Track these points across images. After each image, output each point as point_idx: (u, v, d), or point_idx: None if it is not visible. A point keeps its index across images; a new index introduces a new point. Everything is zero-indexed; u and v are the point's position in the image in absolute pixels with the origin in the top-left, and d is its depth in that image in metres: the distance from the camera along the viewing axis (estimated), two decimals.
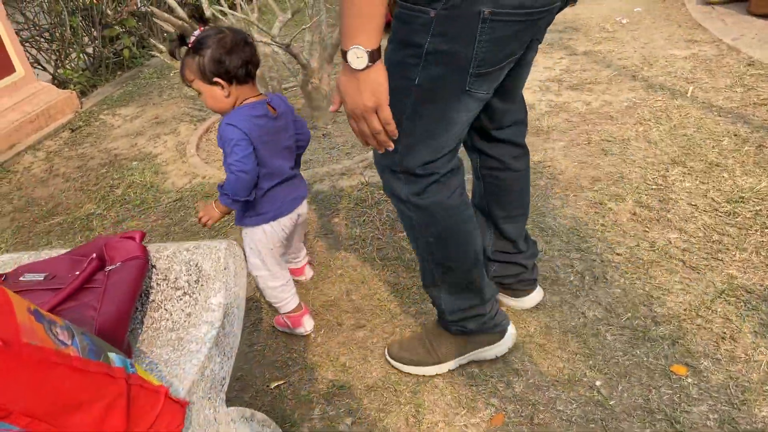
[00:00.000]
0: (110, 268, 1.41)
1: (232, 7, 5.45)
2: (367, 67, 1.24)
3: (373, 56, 1.24)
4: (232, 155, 1.72)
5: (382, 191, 2.87)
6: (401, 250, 2.45)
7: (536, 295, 2.05)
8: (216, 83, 1.71)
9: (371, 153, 3.22)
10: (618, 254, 2.20)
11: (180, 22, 3.18)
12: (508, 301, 2.06)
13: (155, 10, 3.15)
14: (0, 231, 3.21)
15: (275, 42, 3.06)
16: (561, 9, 1.43)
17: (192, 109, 4.35)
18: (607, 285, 2.08)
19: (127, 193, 3.33)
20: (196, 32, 1.70)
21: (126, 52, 5.45)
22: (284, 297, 2.05)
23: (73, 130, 4.35)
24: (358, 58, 1.23)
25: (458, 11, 1.27)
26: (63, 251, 1.54)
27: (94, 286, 1.38)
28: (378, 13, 1.21)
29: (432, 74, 1.36)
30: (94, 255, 1.44)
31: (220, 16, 3.31)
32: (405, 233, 1.77)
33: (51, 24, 5.15)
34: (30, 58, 4.97)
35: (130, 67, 5.49)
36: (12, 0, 5.15)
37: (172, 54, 1.76)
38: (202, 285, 1.41)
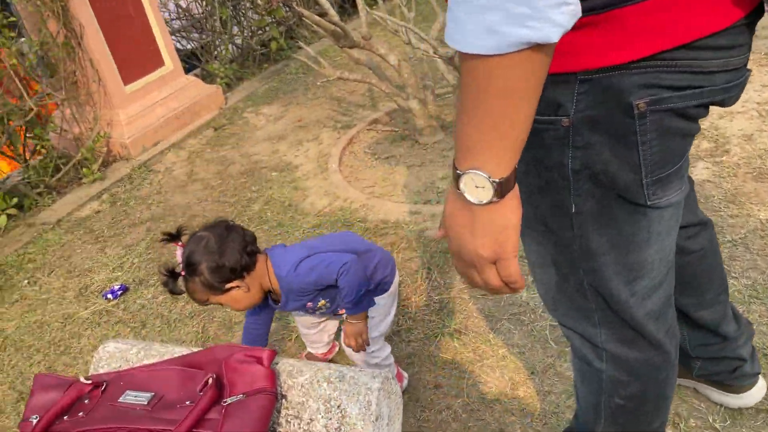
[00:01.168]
0: (230, 401, 1.06)
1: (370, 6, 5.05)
2: (491, 203, 0.77)
3: (503, 189, 0.76)
4: (333, 266, 1.59)
5: None
6: None
7: (759, 390, 1.59)
8: (231, 288, 1.54)
9: None
10: None
11: (332, 27, 2.82)
12: (721, 398, 1.63)
13: (304, 11, 2.83)
14: (135, 242, 3.07)
15: (437, 54, 2.62)
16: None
17: (336, 112, 4.03)
18: None
19: (263, 211, 3.07)
20: (178, 252, 1.53)
21: (273, 44, 5.27)
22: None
23: (216, 129, 4.21)
24: (477, 188, 0.76)
25: (599, 113, 0.86)
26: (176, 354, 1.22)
27: (206, 431, 1.03)
28: (521, 125, 0.73)
29: (592, 195, 0.94)
30: (211, 377, 1.10)
31: (377, 18, 2.92)
32: (578, 387, 1.30)
33: (202, 14, 5.06)
34: (180, 48, 4.92)
35: (277, 60, 5.31)
36: None
37: (172, 292, 1.57)
38: None
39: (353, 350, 1.68)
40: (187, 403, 1.07)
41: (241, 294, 1.55)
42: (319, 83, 3.68)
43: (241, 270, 1.53)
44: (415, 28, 2.79)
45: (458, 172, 0.77)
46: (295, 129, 3.96)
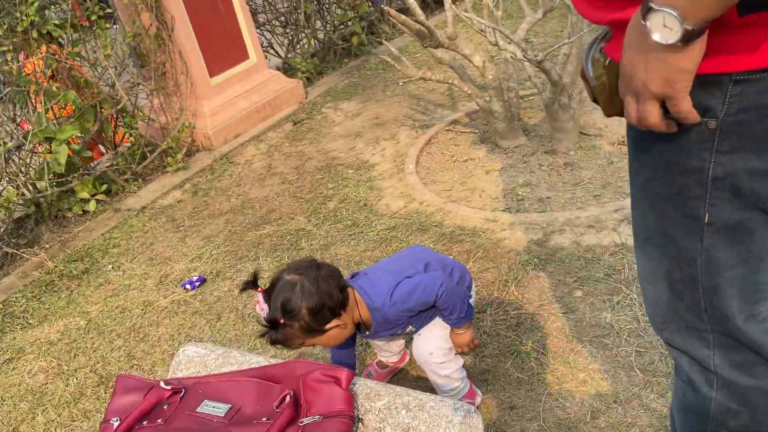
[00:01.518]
0: (306, 421, 1.04)
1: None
2: (673, 47, 0.75)
3: (689, 36, 0.75)
4: (430, 289, 1.57)
5: None
6: (674, 363, 1.81)
7: None
8: (330, 328, 1.50)
9: (629, 200, 2.57)
10: None
11: (417, 26, 2.77)
12: None
13: (391, 11, 2.79)
14: (215, 233, 3.14)
15: (527, 58, 2.52)
16: None
17: (415, 111, 3.98)
18: None
19: (339, 209, 3.06)
20: (260, 299, 1.47)
21: (355, 39, 5.26)
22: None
23: (295, 123, 4.24)
24: (665, 27, 0.74)
25: (752, 117, 0.81)
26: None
27: None
28: None
29: (730, 206, 0.87)
30: (289, 394, 1.08)
31: (464, 18, 2.84)
32: (678, 415, 1.20)
33: (287, 8, 5.11)
34: (264, 42, 4.99)
35: (357, 55, 5.31)
36: None
37: (275, 342, 1.49)
38: None
39: (465, 354, 1.71)
40: (264, 419, 1.05)
41: (338, 332, 1.52)
42: (401, 83, 3.64)
43: (339, 308, 1.50)
44: (503, 28, 2.69)
45: (651, 5, 0.74)
46: (372, 126, 3.93)
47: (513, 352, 1.99)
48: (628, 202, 2.56)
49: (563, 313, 2.10)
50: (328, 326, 1.48)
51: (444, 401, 1.04)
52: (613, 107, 0.94)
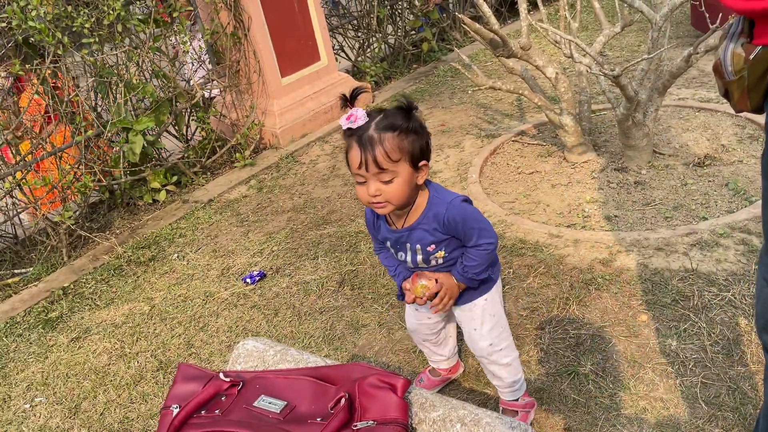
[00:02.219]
0: (360, 425, 1.04)
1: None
2: None
3: None
4: (485, 233, 1.52)
5: (716, 289, 2.13)
6: (742, 397, 1.72)
7: None
8: (421, 168, 1.45)
9: (703, 224, 2.46)
10: None
11: (491, 35, 2.74)
12: None
13: (465, 18, 2.77)
14: (277, 230, 3.19)
15: (603, 72, 2.45)
16: None
17: (482, 120, 3.95)
18: None
19: None
20: (356, 116, 1.39)
21: (425, 45, 5.27)
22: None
23: None
24: None
25: None
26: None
27: None
28: None
29: None
30: (344, 397, 1.08)
31: (539, 28, 2.79)
32: (763, 423, 1.14)
33: (360, 12, 5.16)
34: (335, 45, 5.05)
35: (426, 62, 5.30)
36: None
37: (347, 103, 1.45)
38: None
39: (437, 308, 1.59)
40: (318, 419, 1.06)
41: (412, 180, 1.43)
42: (470, 91, 3.61)
43: (429, 154, 1.46)
44: (579, 41, 2.63)
45: None
46: (437, 133, 3.92)
47: (570, 373, 1.94)
48: (701, 225, 2.46)
49: (626, 337, 2.03)
50: (421, 164, 1.42)
51: (500, 418, 1.02)
52: (751, 101, 0.93)
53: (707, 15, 2.63)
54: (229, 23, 4.01)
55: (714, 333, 1.96)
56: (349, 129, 1.39)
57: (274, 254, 2.97)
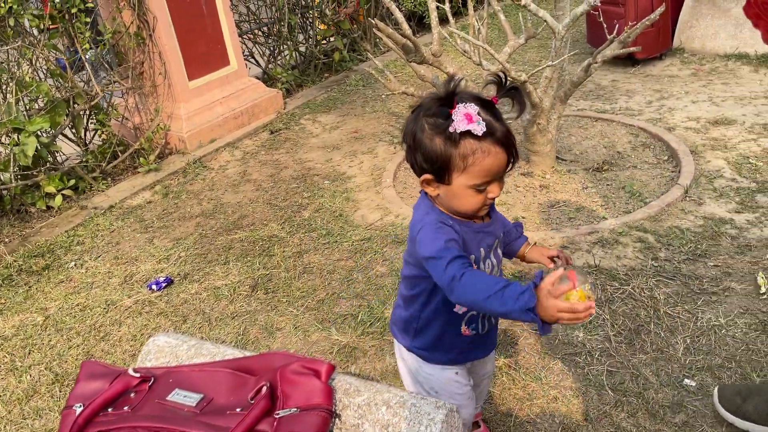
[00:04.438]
0: (282, 413, 1.00)
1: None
2: None
3: None
4: None
5: (617, 283, 2.24)
6: (644, 383, 1.82)
7: None
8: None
9: (604, 224, 2.60)
10: None
11: (404, 40, 2.78)
12: None
13: (378, 22, 2.80)
14: (184, 236, 3.06)
15: (511, 77, 2.54)
16: None
17: (394, 128, 3.99)
18: None
19: (313, 218, 3.03)
20: (476, 119, 1.12)
21: (337, 55, 5.28)
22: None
23: (272, 132, 4.21)
24: None
25: None
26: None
27: None
28: None
29: None
30: (265, 386, 1.04)
31: (448, 37, 2.87)
32: None
33: (270, 19, 5.10)
34: (245, 51, 4.96)
35: (338, 71, 5.32)
36: None
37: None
38: None
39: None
40: (238, 410, 1.01)
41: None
42: (383, 96, 3.64)
43: None
44: (489, 48, 2.72)
45: None
46: (350, 140, 3.92)
47: None
48: (602, 225, 2.59)
49: (536, 330, 2.09)
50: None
51: (426, 399, 1.01)
52: None
53: (605, 25, 2.80)
54: (132, 23, 3.84)
55: (617, 324, 2.06)
56: (487, 131, 1.12)
57: (182, 260, 2.85)
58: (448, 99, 1.14)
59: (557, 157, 3.20)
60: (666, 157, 3.12)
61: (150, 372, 1.14)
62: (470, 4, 3.06)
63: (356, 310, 2.33)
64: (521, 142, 3.26)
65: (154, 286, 2.64)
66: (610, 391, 1.82)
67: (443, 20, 5.27)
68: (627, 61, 4.43)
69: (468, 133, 1.12)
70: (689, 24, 4.52)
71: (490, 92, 1.22)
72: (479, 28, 2.92)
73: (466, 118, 1.12)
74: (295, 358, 1.08)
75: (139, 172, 3.83)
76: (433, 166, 1.17)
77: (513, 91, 1.19)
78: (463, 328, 1.34)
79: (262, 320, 2.36)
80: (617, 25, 2.94)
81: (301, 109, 4.57)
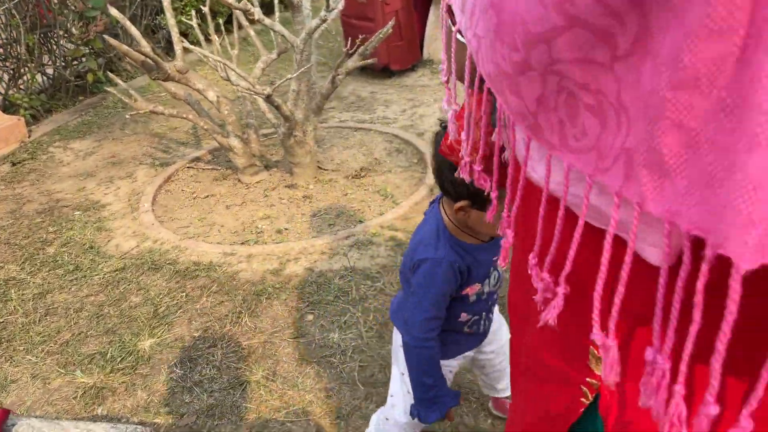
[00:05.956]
0: None
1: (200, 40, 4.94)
2: None
3: None
4: None
5: (370, 282, 2.35)
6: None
7: None
8: None
9: (359, 227, 2.71)
10: None
11: (142, 57, 2.65)
12: None
13: (112, 40, 2.63)
14: None
15: (254, 90, 2.55)
16: None
17: (156, 149, 3.80)
18: None
19: (60, 254, 2.76)
20: None
21: (90, 76, 4.90)
22: None
23: (14, 164, 3.77)
24: None
25: None
26: None
27: None
28: None
29: None
30: None
31: (199, 54, 2.80)
32: None
33: (5, 40, 4.58)
34: None
35: (94, 93, 4.94)
36: None
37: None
38: None
39: None
40: None
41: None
42: (128, 116, 3.46)
43: None
44: (234, 65, 2.71)
45: None
46: (107, 165, 3.66)
47: (242, 384, 1.94)
48: (357, 228, 2.71)
49: (294, 338, 2.11)
50: None
51: (117, 427, 0.95)
52: None
53: (349, 39, 2.93)
54: None
55: (368, 320, 2.16)
56: None
57: None
58: None
59: (319, 167, 3.29)
60: (416, 160, 3.36)
61: None
62: (211, 24, 3.02)
63: (105, 347, 2.16)
64: (282, 156, 3.30)
65: None
66: (361, 386, 1.89)
67: (206, 40, 5.16)
68: (384, 73, 4.71)
69: None
70: (434, 37, 4.94)
71: None
72: (225, 45, 2.89)
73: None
74: None
75: None
76: (468, 191, 1.15)
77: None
78: (466, 329, 1.39)
79: None
80: (360, 38, 3.11)
81: (50, 136, 4.16)
